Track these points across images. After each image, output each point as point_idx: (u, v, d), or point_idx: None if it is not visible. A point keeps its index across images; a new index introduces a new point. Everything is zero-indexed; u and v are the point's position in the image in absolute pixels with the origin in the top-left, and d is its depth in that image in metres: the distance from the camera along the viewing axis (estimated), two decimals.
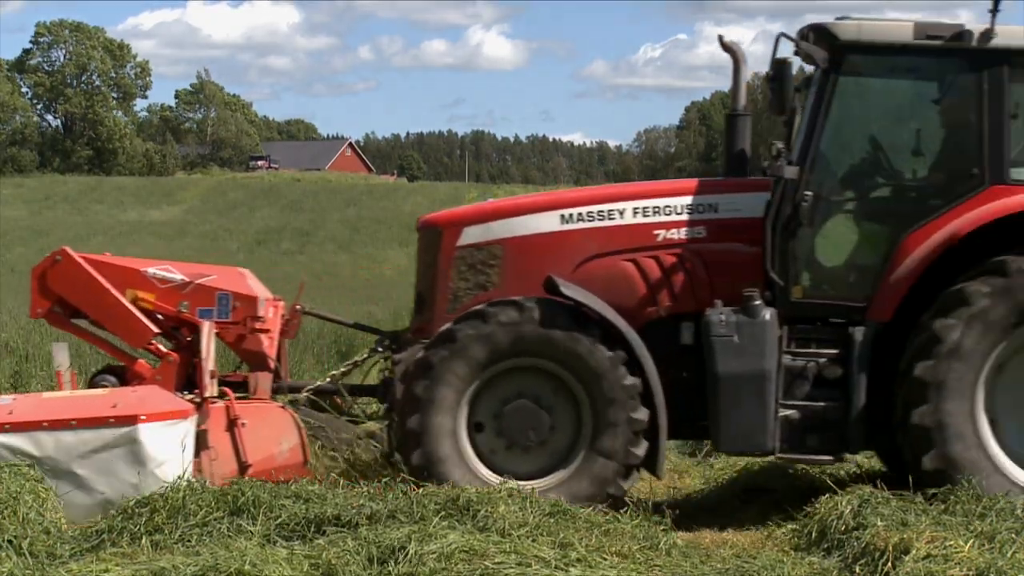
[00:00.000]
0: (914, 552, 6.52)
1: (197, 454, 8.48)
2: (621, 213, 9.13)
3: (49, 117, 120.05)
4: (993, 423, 8.43)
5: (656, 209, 9.11)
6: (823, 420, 8.63)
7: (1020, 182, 8.64)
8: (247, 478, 8.21)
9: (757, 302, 8.57)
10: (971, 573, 6.27)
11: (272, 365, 9.60)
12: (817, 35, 8.81)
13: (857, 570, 6.75)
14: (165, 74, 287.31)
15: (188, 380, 9.17)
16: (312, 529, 6.92)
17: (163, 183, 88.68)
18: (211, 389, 8.90)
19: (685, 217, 9.07)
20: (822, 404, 8.64)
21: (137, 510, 7.26)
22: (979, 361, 8.28)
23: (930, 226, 8.62)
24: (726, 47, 9.41)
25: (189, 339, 9.33)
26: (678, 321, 8.91)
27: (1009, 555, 6.53)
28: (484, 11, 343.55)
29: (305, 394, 9.55)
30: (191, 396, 8.84)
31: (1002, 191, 8.57)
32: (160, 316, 9.45)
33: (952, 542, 6.61)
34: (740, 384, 8.50)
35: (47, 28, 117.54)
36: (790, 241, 8.78)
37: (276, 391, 9.55)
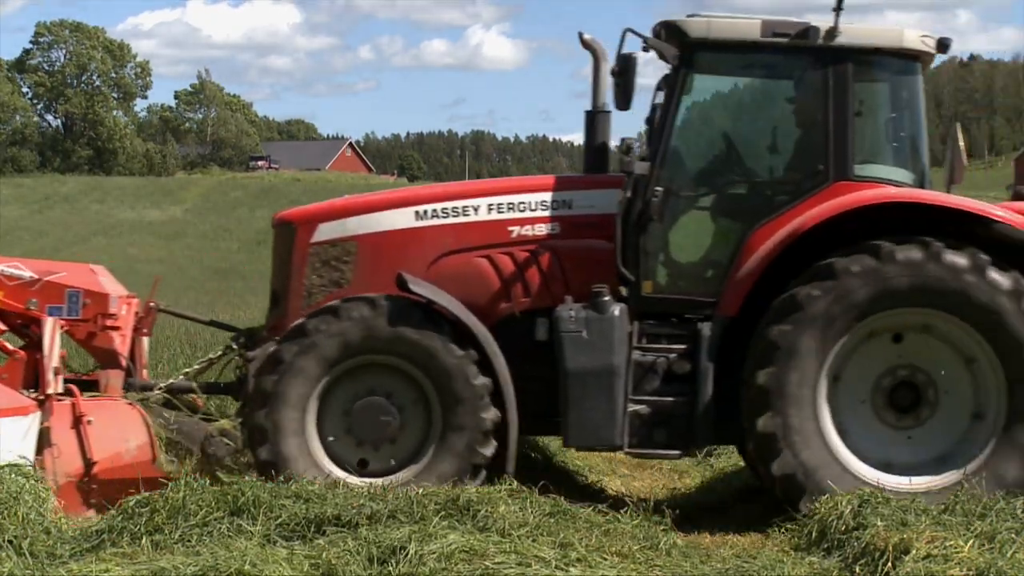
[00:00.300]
0: (914, 552, 6.51)
1: (40, 452, 8.33)
2: (476, 209, 9.14)
3: (49, 117, 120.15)
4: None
5: (510, 206, 9.13)
6: (671, 415, 8.64)
7: (864, 178, 8.74)
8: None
9: (606, 298, 8.61)
10: (971, 573, 6.26)
11: (124, 363, 9.53)
12: (668, 32, 8.87)
13: (857, 570, 6.74)
14: (165, 74, 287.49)
15: (38, 378, 8.99)
16: (312, 529, 6.92)
17: (163, 183, 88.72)
18: (55, 386, 8.77)
19: (539, 214, 9.11)
20: (671, 399, 8.65)
21: (137, 510, 7.25)
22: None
23: (775, 222, 8.70)
24: (586, 44, 9.37)
25: (39, 337, 9.17)
26: (533, 317, 8.89)
27: (1009, 555, 6.52)
28: (484, 11, 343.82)
29: (157, 392, 9.48)
30: (35, 394, 8.72)
31: (846, 187, 8.66)
32: (9, 313, 9.36)
33: (952, 542, 6.60)
34: (589, 379, 8.52)
35: (47, 28, 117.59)
36: (641, 237, 8.83)
37: (128, 389, 9.45)
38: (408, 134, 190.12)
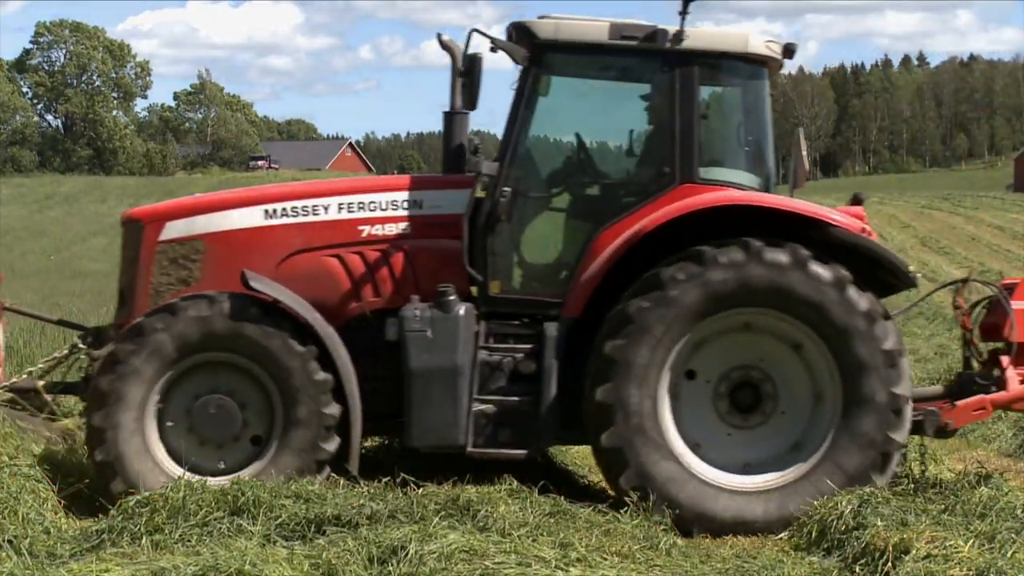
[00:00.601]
0: (914, 552, 6.52)
1: None
2: (326, 209, 9.09)
3: (49, 117, 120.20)
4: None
5: (361, 205, 9.10)
6: (516, 415, 8.63)
7: (709, 181, 8.79)
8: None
9: (451, 297, 8.60)
10: (971, 573, 6.26)
11: None
12: (518, 33, 8.91)
13: (857, 570, 6.75)
14: (165, 74, 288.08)
15: None
16: (312, 529, 6.92)
17: (163, 183, 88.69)
18: None
19: (390, 213, 9.07)
20: (516, 399, 8.64)
21: (137, 510, 7.25)
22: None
23: (621, 224, 8.73)
24: (444, 46, 9.29)
25: None
26: (384, 317, 8.84)
27: (1009, 555, 6.52)
28: (484, 11, 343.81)
29: None
30: None
31: (691, 190, 8.70)
32: None
33: (952, 542, 6.60)
34: (432, 379, 8.51)
35: (47, 28, 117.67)
36: (489, 237, 8.84)
37: None
38: (408, 134, 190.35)
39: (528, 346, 8.73)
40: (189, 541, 6.83)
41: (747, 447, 8.59)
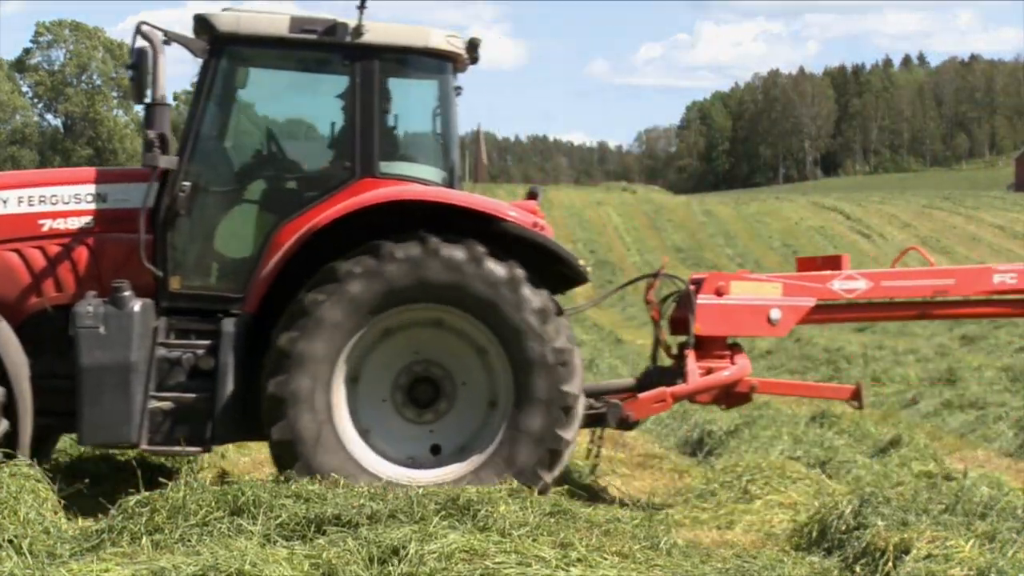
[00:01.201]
0: (914, 552, 6.52)
1: None
2: (4, 202, 8.98)
3: (49, 116, 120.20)
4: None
5: (42, 198, 8.99)
6: (193, 412, 8.58)
7: (390, 176, 8.86)
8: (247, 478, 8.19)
9: (126, 293, 8.53)
10: (971, 573, 6.26)
11: None
12: (199, 25, 8.93)
13: (857, 570, 6.74)
14: None
15: None
16: (312, 529, 6.91)
17: None
18: None
19: (72, 207, 8.98)
20: (193, 396, 8.59)
21: (137, 510, 7.25)
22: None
23: (301, 218, 8.75)
24: (143, 34, 9.08)
25: None
26: (66, 313, 8.70)
27: (1009, 555, 6.52)
28: (484, 11, 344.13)
29: None
30: None
31: (371, 184, 8.75)
32: None
33: (952, 542, 6.60)
34: (105, 376, 8.41)
35: (47, 28, 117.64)
36: (169, 232, 8.81)
37: None
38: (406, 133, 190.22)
39: (207, 342, 8.67)
40: (189, 541, 6.82)
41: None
